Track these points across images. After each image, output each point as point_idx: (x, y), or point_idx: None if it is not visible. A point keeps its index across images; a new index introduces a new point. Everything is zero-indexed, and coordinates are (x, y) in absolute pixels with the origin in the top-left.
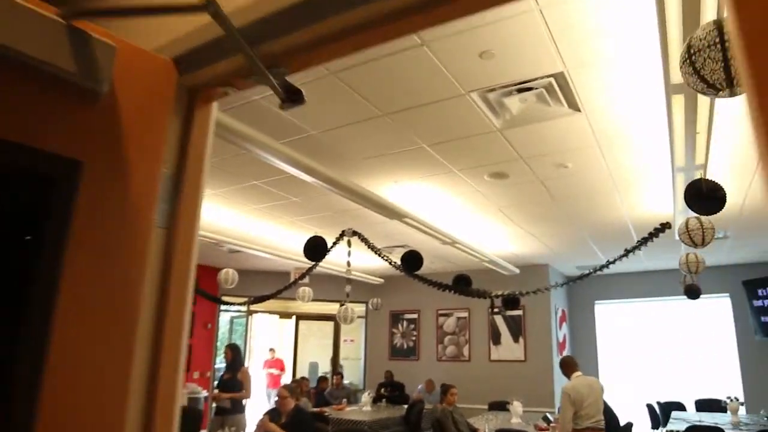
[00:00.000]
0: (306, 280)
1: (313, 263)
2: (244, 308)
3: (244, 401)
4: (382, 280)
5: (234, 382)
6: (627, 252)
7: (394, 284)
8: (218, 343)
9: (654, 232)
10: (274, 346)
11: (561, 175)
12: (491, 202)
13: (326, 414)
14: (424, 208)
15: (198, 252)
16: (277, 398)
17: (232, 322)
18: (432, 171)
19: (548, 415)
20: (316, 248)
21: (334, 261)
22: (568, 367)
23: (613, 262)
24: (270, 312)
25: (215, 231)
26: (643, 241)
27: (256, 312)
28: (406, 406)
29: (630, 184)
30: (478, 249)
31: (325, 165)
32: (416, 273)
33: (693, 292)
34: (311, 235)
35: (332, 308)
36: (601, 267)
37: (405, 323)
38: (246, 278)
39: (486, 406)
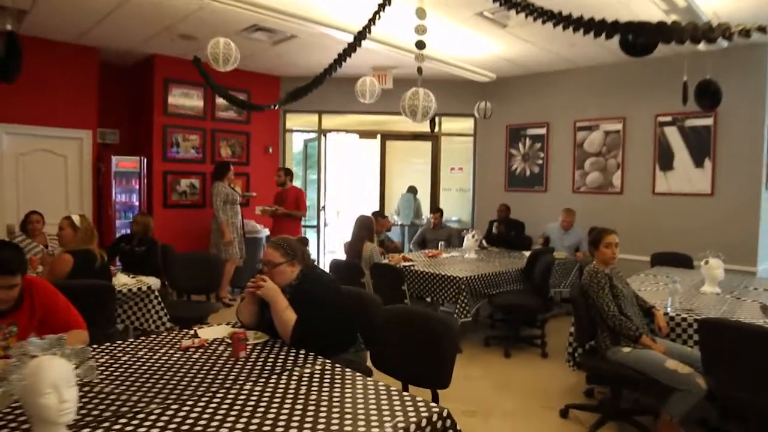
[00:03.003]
0: (387, 83)
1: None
2: (313, 126)
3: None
4: (493, 76)
5: None
6: None
7: (511, 86)
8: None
9: None
10: (353, 173)
11: None
12: None
13: (406, 266)
14: None
15: None
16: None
17: (306, 145)
18: None
19: None
20: None
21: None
22: None
23: None
24: (347, 131)
25: None
26: None
27: (330, 131)
28: (527, 255)
29: None
30: None
31: None
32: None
33: None
34: None
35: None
36: None
37: (528, 141)
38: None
39: (647, 259)
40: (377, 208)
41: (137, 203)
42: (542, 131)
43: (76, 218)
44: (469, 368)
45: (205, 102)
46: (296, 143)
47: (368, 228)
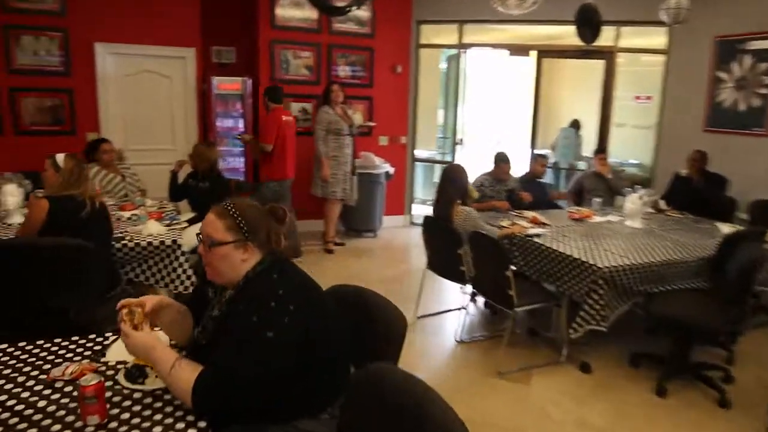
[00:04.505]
0: None
1: None
2: (452, 40)
3: None
4: None
5: None
6: None
7: None
8: (416, 95)
9: None
10: (487, 91)
11: None
12: None
13: (530, 235)
14: None
15: None
16: None
17: (449, 63)
18: None
19: None
20: None
21: None
22: None
23: None
24: (493, 46)
25: None
26: None
27: (471, 46)
28: (723, 231)
29: None
30: None
31: None
32: None
33: None
34: None
35: (605, 36)
36: None
37: (747, 60)
38: None
39: None
40: (530, 141)
41: (243, 129)
42: None
43: (60, 157)
44: (590, 406)
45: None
46: (431, 63)
47: (455, 183)
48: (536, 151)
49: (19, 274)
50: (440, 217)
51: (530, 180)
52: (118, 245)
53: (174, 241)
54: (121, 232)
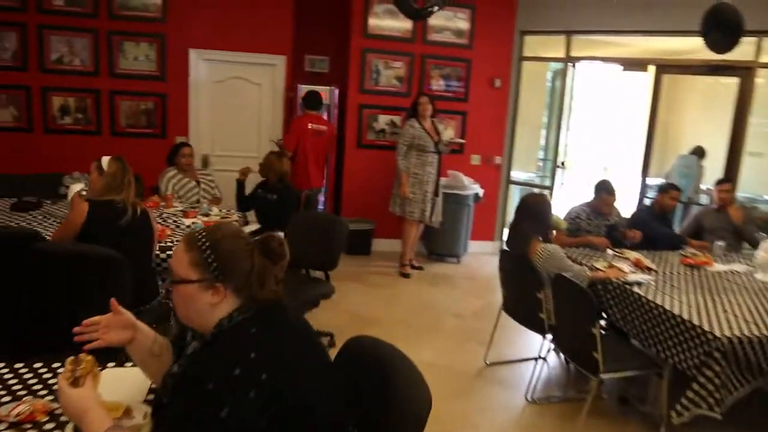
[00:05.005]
0: None
1: None
2: (558, 51)
3: None
4: None
5: None
6: None
7: None
8: (515, 112)
9: None
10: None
11: None
12: None
13: (628, 283)
14: None
15: None
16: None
17: (554, 78)
18: None
19: None
20: None
21: None
22: None
23: None
24: (604, 59)
25: None
26: None
27: (579, 59)
28: None
29: None
30: None
31: None
32: None
33: None
34: None
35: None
36: None
37: None
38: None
39: None
40: (641, 167)
41: None
42: None
43: (105, 160)
44: None
45: (416, 22)
46: (537, 78)
47: (536, 219)
48: (667, 181)
49: (42, 283)
50: (515, 250)
51: (657, 215)
52: (163, 255)
53: None
54: (171, 242)
